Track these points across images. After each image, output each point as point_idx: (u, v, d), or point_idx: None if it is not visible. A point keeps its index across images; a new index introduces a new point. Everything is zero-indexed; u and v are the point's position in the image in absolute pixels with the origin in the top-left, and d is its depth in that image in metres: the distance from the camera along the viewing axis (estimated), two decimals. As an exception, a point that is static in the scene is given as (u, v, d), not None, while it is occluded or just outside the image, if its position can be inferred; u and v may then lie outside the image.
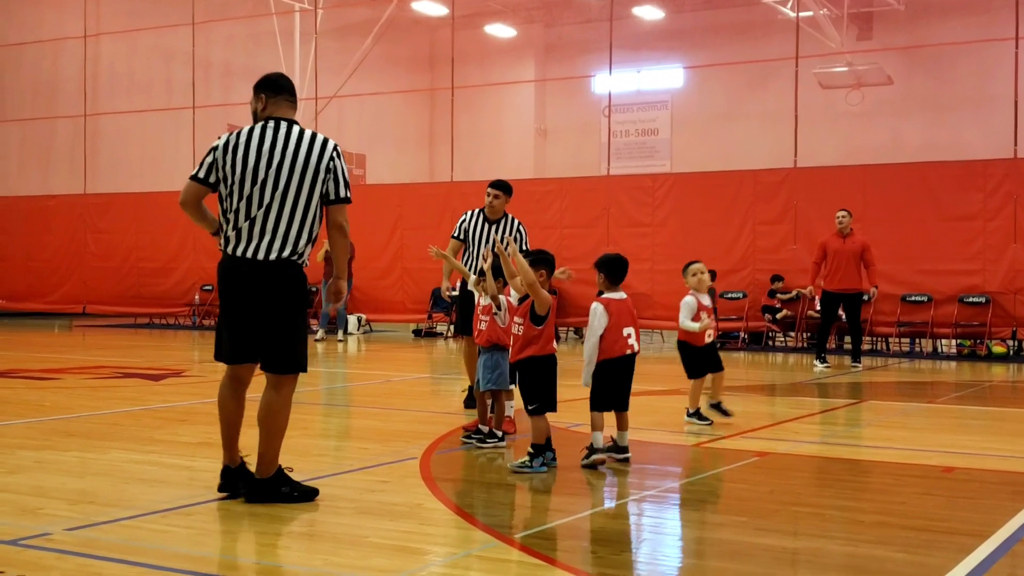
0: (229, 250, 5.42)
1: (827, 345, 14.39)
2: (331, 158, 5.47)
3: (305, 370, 5.59)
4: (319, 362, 15.07)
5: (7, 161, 24.56)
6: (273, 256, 5.35)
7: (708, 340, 8.44)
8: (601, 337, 6.61)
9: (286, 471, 5.54)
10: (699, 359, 8.41)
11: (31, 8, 24.09)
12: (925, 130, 22.29)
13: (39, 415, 8.60)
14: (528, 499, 5.89)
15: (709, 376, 8.45)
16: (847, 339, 14.45)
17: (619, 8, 21.45)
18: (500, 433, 7.26)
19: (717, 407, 8.41)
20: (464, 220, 8.85)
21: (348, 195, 5.53)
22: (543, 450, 6.35)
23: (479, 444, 7.21)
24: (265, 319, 5.38)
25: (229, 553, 4.49)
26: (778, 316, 17.39)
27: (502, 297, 7.14)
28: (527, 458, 6.33)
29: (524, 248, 8.51)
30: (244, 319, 5.42)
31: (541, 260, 6.57)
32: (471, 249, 8.82)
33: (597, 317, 6.59)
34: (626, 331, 6.64)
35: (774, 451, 7.34)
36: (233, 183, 5.40)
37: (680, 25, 24.48)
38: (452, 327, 19.63)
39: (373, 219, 20.15)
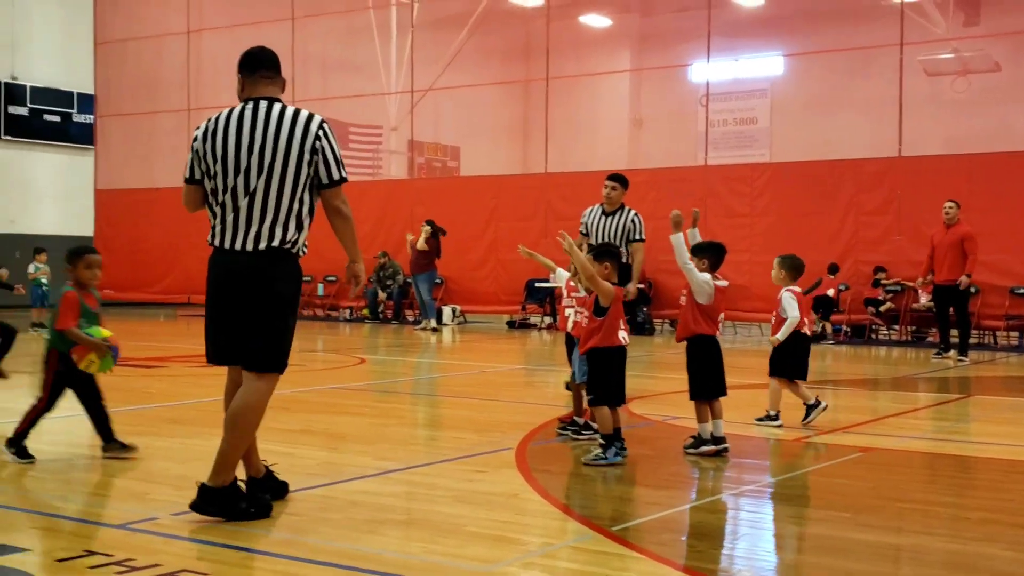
0: (216, 243, 4.98)
1: (942, 338, 14.20)
2: (317, 137, 4.97)
3: (282, 370, 5.05)
4: (413, 352, 15.21)
5: (112, 154, 25.27)
6: (262, 246, 4.89)
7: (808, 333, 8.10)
8: (704, 315, 6.73)
9: (269, 467, 5.16)
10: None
11: (135, 4, 24.75)
12: (1037, 117, 21.53)
13: (145, 402, 8.84)
14: (624, 491, 5.85)
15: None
16: (954, 332, 14.09)
17: (716, -5, 21.17)
18: (595, 425, 7.22)
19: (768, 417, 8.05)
20: (586, 215, 8.96)
21: (342, 176, 5.05)
22: (612, 440, 6.29)
23: (575, 436, 7.19)
24: (252, 312, 4.91)
25: (328, 539, 4.55)
26: (881, 309, 16.99)
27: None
28: (599, 450, 6.28)
29: (639, 238, 8.50)
30: (234, 316, 4.94)
31: (605, 253, 6.57)
32: (594, 242, 8.72)
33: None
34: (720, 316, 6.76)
35: (877, 447, 7.17)
36: (216, 174, 4.98)
37: (779, 12, 24.04)
38: (545, 318, 19.62)
39: (467, 211, 20.26)
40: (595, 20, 26.54)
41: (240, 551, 4.39)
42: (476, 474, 6.01)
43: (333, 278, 21.53)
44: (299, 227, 4.97)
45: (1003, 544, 4.67)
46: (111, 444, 6.32)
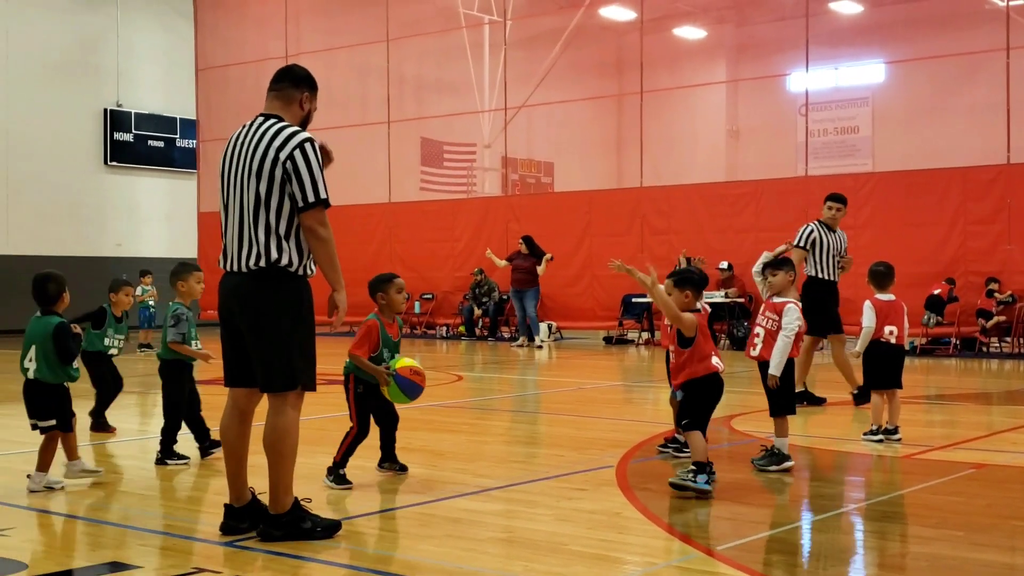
0: (221, 266, 4.97)
1: None
2: (291, 156, 4.76)
3: (296, 386, 4.88)
4: (510, 369, 15.20)
5: (215, 178, 25.71)
6: (250, 266, 4.80)
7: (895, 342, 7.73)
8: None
9: (303, 504, 4.97)
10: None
11: (235, 30, 25.35)
12: None
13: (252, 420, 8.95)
14: (728, 510, 5.73)
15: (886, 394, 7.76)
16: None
17: (815, 4, 20.81)
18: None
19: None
20: (811, 231, 9.97)
21: (318, 198, 4.79)
22: (703, 468, 6.03)
23: (675, 454, 7.08)
24: (251, 334, 4.85)
25: (428, 556, 4.54)
26: (988, 324, 16.41)
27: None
28: (691, 474, 5.95)
29: (843, 251, 10.09)
30: (239, 338, 4.91)
31: (686, 280, 6.29)
32: (818, 257, 9.96)
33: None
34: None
35: (992, 462, 6.92)
36: (220, 193, 4.97)
37: (880, 18, 23.54)
38: (643, 334, 19.44)
39: (562, 226, 20.21)
40: (689, 32, 26.33)
41: (344, 568, 4.41)
42: (576, 492, 5.95)
43: (430, 295, 21.69)
44: (283, 247, 4.79)
45: None
46: (388, 464, 6.50)
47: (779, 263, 6.94)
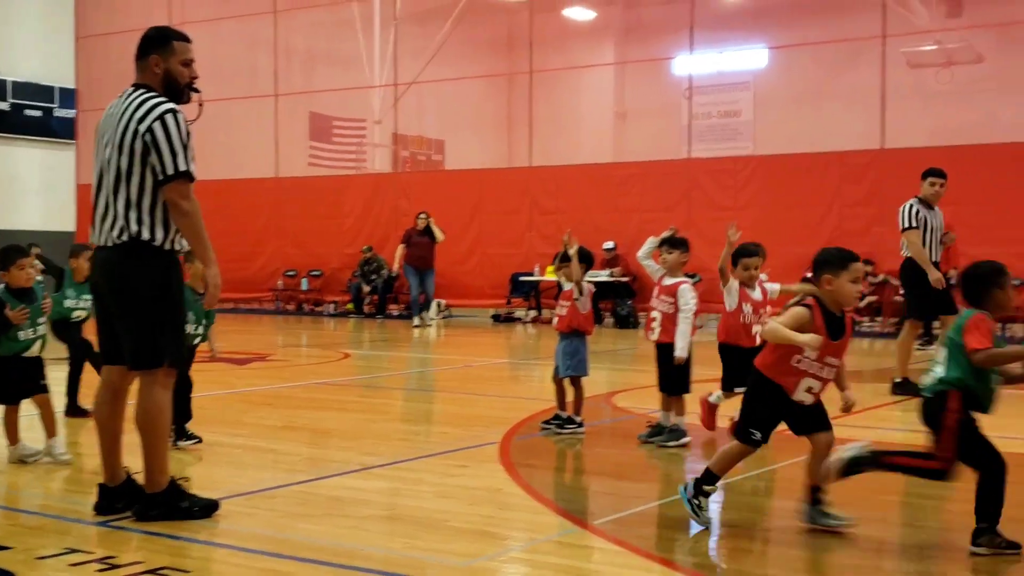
0: (91, 240, 4.93)
1: (926, 330, 14.23)
2: (149, 128, 4.65)
3: (161, 364, 4.79)
4: (398, 347, 15.18)
5: (91, 151, 25.12)
6: (113, 240, 4.72)
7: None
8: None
9: (180, 483, 4.90)
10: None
11: (119, -1, 24.61)
12: (1019, 109, 21.60)
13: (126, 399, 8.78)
14: (608, 485, 5.86)
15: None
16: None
17: (701, -12, 21.16)
18: (579, 419, 7.23)
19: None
20: (917, 210, 9.65)
21: (180, 170, 4.65)
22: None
23: (558, 430, 7.19)
24: (116, 310, 4.79)
25: (310, 535, 4.54)
26: (861, 304, 17.03)
27: (585, 283, 7.15)
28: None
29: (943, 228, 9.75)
30: (107, 314, 4.87)
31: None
32: (924, 236, 9.60)
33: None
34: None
35: (861, 439, 7.18)
36: (95, 168, 4.91)
37: (763, 4, 24.01)
38: (530, 312, 19.58)
39: (452, 204, 20.20)
40: (579, 13, 26.48)
41: (223, 548, 4.38)
42: (459, 469, 6.01)
43: (318, 272, 21.48)
44: (143, 221, 4.69)
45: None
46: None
47: (678, 241, 7.04)
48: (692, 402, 6.99)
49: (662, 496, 5.66)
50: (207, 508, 4.83)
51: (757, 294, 6.88)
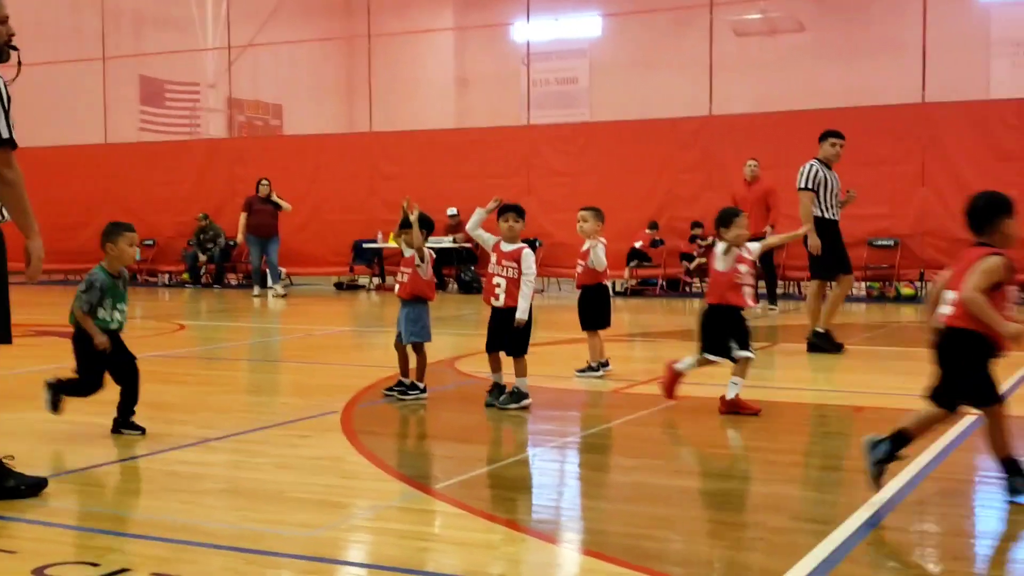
0: None
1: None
2: None
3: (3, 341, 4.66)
4: (236, 317, 14.93)
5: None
6: None
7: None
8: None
9: (5, 461, 4.74)
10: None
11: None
12: (838, 76, 22.61)
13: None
14: (451, 449, 5.96)
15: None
16: (762, 283, 14.77)
17: (537, -45, 21.33)
18: (422, 385, 7.31)
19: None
20: (816, 171, 9.86)
21: (2, 137, 4.47)
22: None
23: (400, 397, 7.25)
24: None
25: (146, 512, 4.49)
26: (691, 266, 17.63)
27: (426, 249, 7.23)
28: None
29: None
30: None
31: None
32: (822, 197, 9.85)
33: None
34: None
35: (690, 395, 7.48)
36: None
37: (598, -28, 24.42)
38: (374, 279, 19.51)
39: (290, 170, 19.88)
40: (417, -23, 26.34)
41: (51, 526, 4.28)
42: (300, 439, 6.00)
43: (151, 242, 20.84)
44: None
45: (810, 486, 4.99)
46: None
47: (521, 210, 7.23)
48: (533, 363, 7.14)
49: (505, 457, 5.79)
50: (34, 486, 4.69)
51: (747, 253, 6.96)
